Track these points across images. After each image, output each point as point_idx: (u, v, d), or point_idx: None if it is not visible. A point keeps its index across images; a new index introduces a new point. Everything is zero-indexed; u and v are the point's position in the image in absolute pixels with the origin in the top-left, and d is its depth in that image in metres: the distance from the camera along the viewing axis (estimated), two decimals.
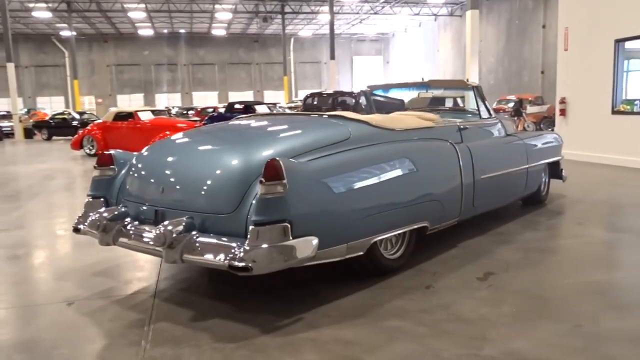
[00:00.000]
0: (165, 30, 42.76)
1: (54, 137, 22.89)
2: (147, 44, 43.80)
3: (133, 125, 13.27)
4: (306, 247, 2.95)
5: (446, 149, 4.19)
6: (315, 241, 2.99)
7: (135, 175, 3.66)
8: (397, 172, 3.62)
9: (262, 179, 2.88)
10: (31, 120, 26.24)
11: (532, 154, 5.42)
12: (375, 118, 3.99)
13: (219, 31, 42.90)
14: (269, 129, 3.87)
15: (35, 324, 3.11)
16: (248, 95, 44.68)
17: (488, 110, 5.28)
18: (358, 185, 3.33)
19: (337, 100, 15.10)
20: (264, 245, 2.79)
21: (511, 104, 17.73)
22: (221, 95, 44.72)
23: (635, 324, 2.82)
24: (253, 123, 4.06)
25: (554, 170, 6.19)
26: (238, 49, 45.57)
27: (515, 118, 16.74)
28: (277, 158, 2.94)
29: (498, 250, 4.23)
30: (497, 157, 4.89)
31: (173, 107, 32.41)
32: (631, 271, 3.72)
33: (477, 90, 5.24)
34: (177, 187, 3.36)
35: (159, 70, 44.60)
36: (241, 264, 2.76)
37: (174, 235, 3.02)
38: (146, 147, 3.85)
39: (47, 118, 24.51)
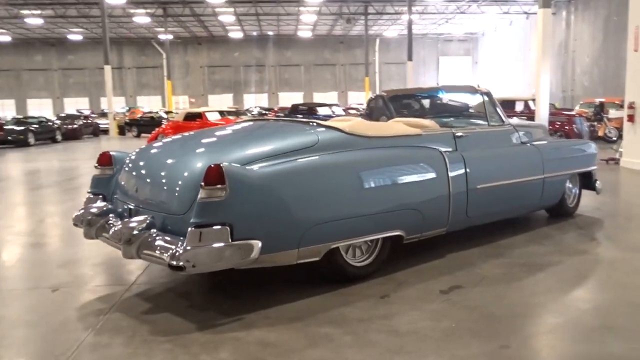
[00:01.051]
0: (255, 33, 44.24)
1: (142, 134, 24.53)
2: (237, 46, 45.56)
3: (200, 125, 13.96)
4: (247, 250, 3.06)
5: (431, 158, 4.11)
6: (258, 245, 3.09)
7: (122, 175, 3.94)
8: (362, 180, 3.61)
9: (202, 183, 3.03)
10: (126, 119, 28.30)
11: (550, 163, 5.14)
12: (352, 125, 3.99)
13: (305, 33, 43.71)
14: (235, 136, 4.01)
15: (13, 305, 3.47)
16: (332, 96, 45.13)
17: (500, 117, 5.08)
18: (312, 192, 3.37)
19: None
20: (198, 247, 2.94)
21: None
22: (306, 95, 45.55)
23: (567, 350, 2.66)
24: (226, 130, 4.22)
25: (587, 181, 5.82)
26: (323, 50, 46.19)
27: (596, 123, 15.71)
28: (220, 163, 3.07)
29: (484, 263, 4.09)
30: (502, 166, 4.70)
31: (255, 107, 33.48)
32: (609, 294, 3.45)
33: (487, 97, 5.05)
34: (146, 188, 3.60)
35: (247, 71, 46.25)
36: (176, 263, 2.92)
37: (135, 232, 3.25)
38: (135, 151, 4.12)
39: (137, 117, 26.25)
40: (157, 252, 3.12)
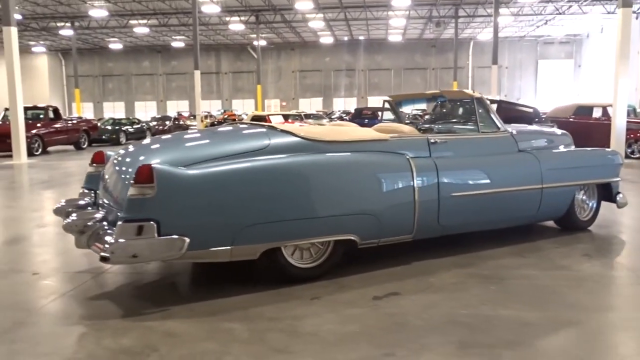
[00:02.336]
0: (346, 38, 44.72)
1: None
2: (328, 51, 46.31)
3: None
4: (174, 245, 3.25)
5: (393, 164, 4.06)
6: (186, 241, 3.27)
7: (103, 172, 4.30)
8: (310, 184, 3.67)
9: (132, 181, 3.26)
10: (216, 120, 29.88)
11: (552, 173, 4.85)
12: (307, 129, 4.06)
13: (395, 37, 43.47)
14: (193, 139, 4.18)
15: None
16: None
17: (495, 123, 4.89)
18: (248, 193, 3.48)
19: None
20: (122, 240, 3.17)
21: None
22: None
23: None
24: (192, 134, 4.47)
25: (607, 193, 5.42)
26: (414, 54, 45.67)
27: None
28: (152, 164, 3.29)
29: (445, 272, 3.97)
30: (484, 174, 4.51)
31: (338, 111, 33.81)
32: (544, 313, 3.22)
33: (479, 102, 4.88)
34: (110, 184, 3.91)
35: (337, 76, 46.86)
36: (102, 254, 3.18)
37: (88, 224, 3.58)
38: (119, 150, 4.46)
39: (223, 118, 27.62)
40: (100, 244, 3.40)
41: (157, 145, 4.00)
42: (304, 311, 3.25)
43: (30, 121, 16.17)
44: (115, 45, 46.06)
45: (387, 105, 6.16)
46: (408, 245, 4.28)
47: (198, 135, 4.44)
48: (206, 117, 30.38)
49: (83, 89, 48.09)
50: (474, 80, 44.11)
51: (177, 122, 27.37)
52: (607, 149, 5.70)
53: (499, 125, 4.91)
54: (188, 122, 28.87)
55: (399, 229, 4.09)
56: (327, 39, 44.28)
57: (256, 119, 15.06)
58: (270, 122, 14.49)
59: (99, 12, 33.39)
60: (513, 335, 2.89)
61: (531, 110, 13.10)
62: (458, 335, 2.90)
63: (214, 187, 3.41)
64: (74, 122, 19.10)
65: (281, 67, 47.64)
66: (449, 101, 5.75)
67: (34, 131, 15.71)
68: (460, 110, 5.73)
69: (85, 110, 47.71)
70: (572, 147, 5.62)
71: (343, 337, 2.87)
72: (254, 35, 41.69)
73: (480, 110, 4.89)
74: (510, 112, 14.01)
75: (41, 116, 16.96)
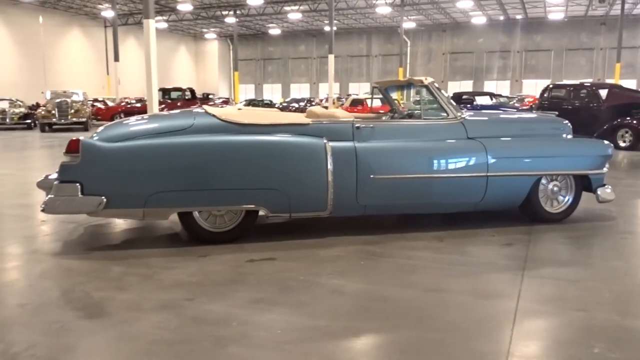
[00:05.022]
0: (501, 17, 42.43)
1: None
2: (482, 32, 44.37)
3: (361, 110, 14.96)
4: (93, 203, 4.14)
5: (307, 146, 4.45)
6: (103, 200, 4.14)
7: None
8: (221, 160, 4.27)
9: (64, 151, 4.20)
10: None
11: (502, 162, 4.81)
12: (229, 113, 4.63)
13: (556, 15, 40.12)
14: (136, 119, 4.85)
15: None
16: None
17: (445, 109, 4.96)
18: (160, 164, 4.21)
19: (578, 96, 13.37)
20: (51, 196, 4.13)
21: None
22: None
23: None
24: (155, 114, 5.26)
25: (587, 184, 5.14)
26: (580, 33, 41.66)
27: None
28: (80, 138, 4.19)
29: (340, 247, 4.32)
30: (413, 159, 4.66)
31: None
32: (381, 286, 3.41)
33: (426, 89, 4.98)
34: None
35: (490, 58, 44.75)
36: (41, 206, 4.18)
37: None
38: None
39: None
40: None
41: (110, 125, 4.90)
42: (184, 264, 3.92)
43: (169, 101, 18.61)
44: (275, 31, 49.34)
45: (376, 91, 6.40)
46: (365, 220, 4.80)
47: (147, 117, 5.18)
48: (338, 99, 31.46)
49: (246, 72, 52.44)
50: None
51: (310, 104, 28.91)
52: (592, 139, 5.35)
53: (449, 112, 4.97)
54: (324, 104, 30.23)
55: (310, 206, 4.51)
56: (479, 19, 42.44)
57: (355, 102, 15.57)
58: (367, 104, 14.92)
59: (255, 1, 36.18)
60: (308, 298, 3.26)
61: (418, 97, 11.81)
62: (266, 292, 3.34)
63: (129, 158, 4.21)
64: (211, 102, 21.38)
65: (431, 49, 46.87)
66: (407, 88, 5.81)
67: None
68: (420, 97, 5.79)
69: (247, 92, 52.06)
70: (564, 136, 5.37)
71: (178, 284, 3.50)
72: (404, 18, 41.65)
73: (427, 97, 5.01)
74: (622, 99, 12.72)
75: (179, 96, 19.36)
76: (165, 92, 20.38)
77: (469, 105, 14.54)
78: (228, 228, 4.49)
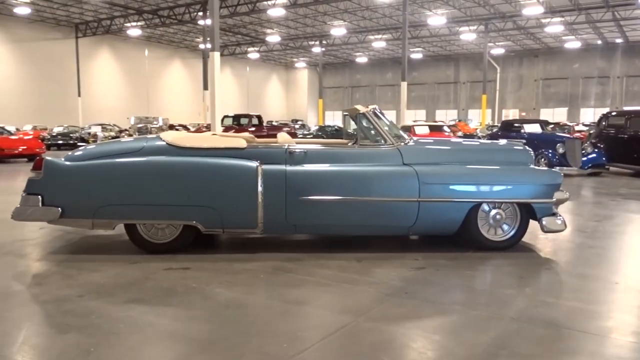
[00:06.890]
0: (599, 42, 40.29)
1: None
2: (578, 57, 42.34)
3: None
4: (50, 213, 4.83)
5: (239, 170, 4.85)
6: (58, 211, 4.82)
7: None
8: (160, 179, 4.81)
9: (31, 168, 4.94)
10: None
11: (433, 188, 4.91)
12: (175, 136, 5.14)
13: None
14: (102, 143, 5.55)
15: None
16: None
17: (383, 137, 5.16)
18: (106, 182, 4.83)
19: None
20: (22, 206, 4.88)
21: None
22: None
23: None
24: (111, 140, 5.90)
25: (533, 214, 5.08)
26: None
27: None
28: (44, 157, 4.93)
29: (262, 262, 4.65)
30: (342, 183, 4.90)
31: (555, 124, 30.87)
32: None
33: (363, 117, 5.23)
34: None
35: (587, 84, 42.43)
36: (11, 214, 4.95)
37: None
38: None
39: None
40: None
41: (83, 147, 5.61)
42: (110, 268, 4.47)
43: (237, 126, 19.79)
44: (361, 59, 50.31)
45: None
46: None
47: (110, 141, 5.81)
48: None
49: (334, 99, 53.77)
50: None
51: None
52: (543, 169, 5.26)
53: (386, 138, 5.18)
54: None
55: (241, 223, 4.90)
56: (573, 44, 40.55)
57: (403, 128, 15.69)
58: (414, 131, 15.00)
59: (338, 31, 37.34)
60: (180, 301, 3.65)
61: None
62: (149, 295, 3.78)
63: (81, 175, 4.87)
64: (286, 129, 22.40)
65: (522, 75, 45.38)
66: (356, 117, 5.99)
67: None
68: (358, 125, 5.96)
69: (335, 118, 53.26)
70: (524, 166, 5.35)
71: (86, 284, 4.04)
72: (490, 44, 40.85)
73: (364, 125, 5.26)
74: None
75: (247, 122, 20.52)
76: (235, 118, 21.75)
77: (514, 134, 14.04)
78: (167, 240, 5.00)
